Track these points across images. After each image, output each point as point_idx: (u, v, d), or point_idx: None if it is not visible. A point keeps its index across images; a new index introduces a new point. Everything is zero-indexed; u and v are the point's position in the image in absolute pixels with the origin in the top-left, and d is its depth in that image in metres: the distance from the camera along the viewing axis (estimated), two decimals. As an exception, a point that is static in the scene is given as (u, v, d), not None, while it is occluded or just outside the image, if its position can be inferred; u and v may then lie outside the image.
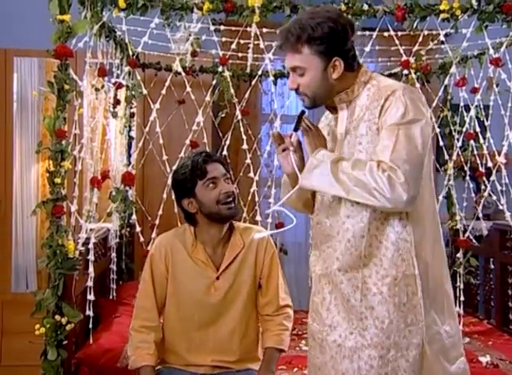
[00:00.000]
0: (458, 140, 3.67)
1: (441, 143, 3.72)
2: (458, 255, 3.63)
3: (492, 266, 3.88)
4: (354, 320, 1.85)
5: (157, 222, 3.48)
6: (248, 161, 3.68)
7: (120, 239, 4.05)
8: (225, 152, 3.63)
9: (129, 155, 4.27)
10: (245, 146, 3.68)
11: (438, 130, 3.71)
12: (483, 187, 3.76)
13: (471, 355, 3.11)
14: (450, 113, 4.02)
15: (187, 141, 3.61)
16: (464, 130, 3.69)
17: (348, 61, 1.88)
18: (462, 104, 3.72)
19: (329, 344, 1.89)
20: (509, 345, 3.36)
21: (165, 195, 3.50)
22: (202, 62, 4.13)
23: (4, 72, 4.31)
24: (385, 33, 3.50)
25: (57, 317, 2.70)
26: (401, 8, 3.13)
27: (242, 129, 3.62)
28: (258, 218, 3.54)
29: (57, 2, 2.74)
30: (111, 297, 3.76)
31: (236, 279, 2.45)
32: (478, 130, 3.69)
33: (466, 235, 3.61)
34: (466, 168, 3.78)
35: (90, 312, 3.05)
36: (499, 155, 3.51)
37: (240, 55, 4.00)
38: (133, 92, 3.95)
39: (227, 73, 3.69)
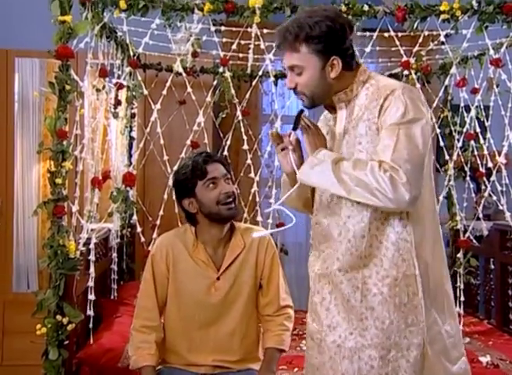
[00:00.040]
0: (458, 140, 3.67)
1: (441, 143, 3.72)
2: (458, 255, 3.63)
3: (493, 266, 3.88)
4: (354, 321, 1.84)
5: (158, 222, 3.48)
6: (249, 161, 3.68)
7: (121, 239, 4.05)
8: (225, 153, 3.64)
9: (130, 156, 4.28)
10: (246, 146, 3.68)
11: (438, 130, 3.71)
12: (483, 187, 3.76)
13: (472, 355, 3.10)
14: (451, 114, 4.01)
15: (188, 142, 3.62)
16: (465, 130, 3.69)
17: (346, 60, 1.87)
18: (462, 104, 3.71)
19: (328, 345, 1.88)
20: (509, 345, 3.36)
21: (165, 196, 3.51)
22: (203, 62, 4.13)
23: (5, 72, 4.32)
24: (386, 34, 3.49)
25: (58, 317, 2.71)
26: (401, 8, 3.13)
27: (242, 129, 3.62)
28: (259, 218, 3.54)
29: (58, 3, 2.75)
30: (112, 297, 3.76)
31: (236, 279, 2.46)
32: (478, 130, 3.69)
33: (466, 235, 3.61)
34: (466, 168, 3.78)
35: (90, 312, 3.05)
36: (500, 155, 3.52)
37: (240, 55, 4.00)
38: (134, 93, 3.95)
39: (228, 74, 3.69)
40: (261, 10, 3.10)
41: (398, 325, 1.81)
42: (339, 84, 1.90)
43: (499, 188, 3.62)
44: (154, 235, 3.37)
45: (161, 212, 3.50)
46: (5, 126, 4.32)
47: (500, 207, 3.64)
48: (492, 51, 3.41)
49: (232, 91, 3.70)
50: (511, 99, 3.54)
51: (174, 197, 2.55)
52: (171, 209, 3.38)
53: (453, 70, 3.64)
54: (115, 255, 3.78)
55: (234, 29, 3.73)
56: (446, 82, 3.83)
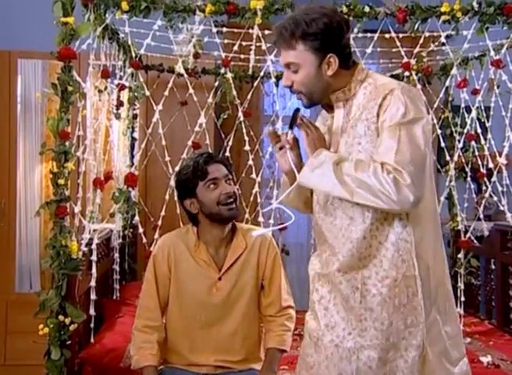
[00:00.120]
0: (459, 141, 3.67)
1: (442, 144, 3.72)
2: (459, 255, 3.63)
3: (493, 267, 3.88)
4: (353, 321, 1.83)
5: (159, 222, 3.49)
6: (250, 162, 3.69)
7: (123, 240, 4.05)
8: (227, 153, 3.65)
9: (132, 156, 4.29)
10: (247, 147, 3.69)
11: (439, 131, 3.71)
12: (484, 187, 3.76)
13: (472, 355, 3.11)
14: (451, 114, 4.02)
15: (190, 142, 3.62)
16: (465, 131, 3.69)
17: (343, 58, 1.86)
18: (463, 105, 3.71)
19: (325, 344, 1.86)
20: (510, 345, 3.36)
21: (167, 196, 3.52)
22: (204, 63, 4.14)
23: (8, 73, 4.34)
24: (387, 35, 3.50)
25: (60, 317, 2.71)
26: (402, 10, 3.14)
27: (244, 130, 3.63)
28: (260, 219, 3.55)
29: (61, 5, 2.75)
30: (114, 297, 3.78)
31: (238, 280, 2.47)
32: (479, 131, 3.70)
33: (467, 236, 3.61)
34: (467, 169, 3.78)
35: (92, 312, 3.06)
36: (500, 156, 3.53)
37: (242, 56, 4.02)
38: (136, 94, 3.98)
39: (229, 75, 3.71)
40: (263, 11, 3.11)
41: (397, 326, 1.80)
42: (337, 83, 1.88)
43: (499, 189, 3.63)
44: (156, 235, 3.38)
45: (162, 213, 3.51)
46: (7, 127, 4.34)
47: (501, 207, 3.65)
48: (492, 53, 3.42)
49: (234, 92, 3.71)
50: (512, 100, 3.55)
51: (176, 197, 2.56)
52: (173, 210, 3.40)
53: (454, 71, 3.64)
54: (117, 255, 3.79)
55: (236, 30, 3.75)
56: (447, 83, 3.83)
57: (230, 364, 2.47)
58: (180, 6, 3.13)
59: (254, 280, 2.50)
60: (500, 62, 3.42)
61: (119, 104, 3.84)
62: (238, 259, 2.47)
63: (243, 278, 2.48)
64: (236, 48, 3.61)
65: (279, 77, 4.19)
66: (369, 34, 3.53)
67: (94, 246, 3.05)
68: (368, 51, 3.47)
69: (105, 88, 3.44)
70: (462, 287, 3.50)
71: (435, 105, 3.62)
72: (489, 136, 3.69)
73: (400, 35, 3.51)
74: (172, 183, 3.41)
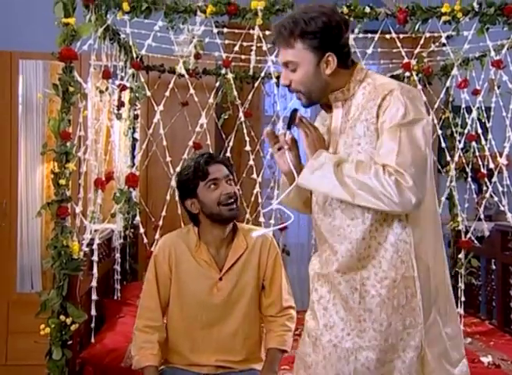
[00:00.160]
0: (460, 141, 3.68)
1: (443, 144, 3.73)
2: (460, 255, 3.63)
3: (494, 267, 3.87)
4: (352, 322, 1.83)
5: (160, 223, 3.50)
6: (251, 162, 3.70)
7: (124, 240, 4.06)
8: (228, 154, 3.65)
9: (133, 157, 4.29)
10: (248, 148, 3.69)
11: (440, 131, 3.71)
12: (485, 188, 3.76)
13: (473, 355, 3.12)
14: (452, 115, 4.02)
15: (190, 143, 3.63)
16: (466, 131, 3.70)
17: (341, 57, 1.85)
18: (464, 105, 3.71)
19: (323, 344, 1.86)
20: (510, 345, 3.36)
21: (168, 196, 3.52)
22: (205, 64, 4.14)
23: (9, 74, 4.35)
24: (387, 36, 3.49)
25: (62, 317, 2.71)
26: (403, 10, 3.14)
27: (245, 131, 3.64)
28: (261, 219, 3.55)
29: (62, 5, 2.75)
30: (115, 297, 3.78)
31: (239, 280, 2.47)
32: (479, 131, 3.70)
33: (468, 236, 3.61)
34: (468, 169, 3.78)
35: (93, 312, 3.07)
36: (501, 156, 3.53)
37: (242, 57, 4.02)
38: (137, 94, 3.98)
39: (230, 75, 3.71)
40: (263, 12, 3.11)
41: (396, 327, 1.79)
42: (335, 82, 1.87)
43: (500, 189, 3.63)
44: (157, 236, 3.38)
45: (163, 213, 3.52)
46: (9, 127, 4.35)
47: (501, 208, 3.65)
48: (493, 53, 3.42)
49: (235, 93, 3.72)
50: (512, 100, 3.55)
51: (177, 197, 2.57)
52: (173, 210, 3.40)
53: (455, 72, 3.64)
54: (118, 255, 3.79)
55: (236, 31, 3.76)
56: (448, 83, 3.83)
57: (231, 364, 2.48)
58: (181, 7, 3.13)
59: (255, 280, 2.50)
60: (501, 62, 3.43)
61: (120, 104, 3.85)
62: (239, 259, 2.48)
63: (244, 278, 2.48)
64: (236, 48, 3.62)
65: (279, 78, 4.19)
66: (370, 35, 3.52)
67: (95, 246, 3.06)
68: (369, 51, 3.47)
69: (106, 89, 3.45)
70: (462, 287, 3.50)
71: (436, 106, 3.63)
72: (490, 136, 3.69)
73: (401, 36, 3.51)
74: (173, 183, 3.42)
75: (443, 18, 3.14)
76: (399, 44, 3.41)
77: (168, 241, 2.54)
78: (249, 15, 3.13)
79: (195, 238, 2.49)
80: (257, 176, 3.65)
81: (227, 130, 4.00)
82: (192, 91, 3.60)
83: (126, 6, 3.01)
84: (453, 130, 3.94)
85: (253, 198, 3.70)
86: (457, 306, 3.37)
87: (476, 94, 3.66)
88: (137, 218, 3.92)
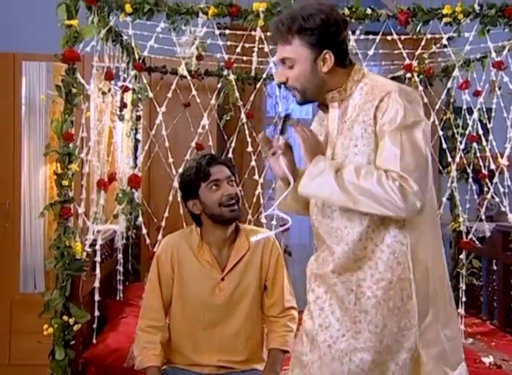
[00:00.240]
0: (461, 142, 3.67)
1: (444, 145, 3.72)
2: (461, 256, 3.62)
3: (495, 267, 3.88)
4: (348, 322, 1.81)
5: (163, 224, 3.51)
6: (253, 163, 3.71)
7: (126, 240, 4.07)
8: (230, 155, 3.67)
9: (136, 158, 4.30)
10: (250, 149, 3.70)
11: (441, 132, 3.70)
12: (486, 189, 3.76)
13: (474, 355, 3.12)
14: (453, 116, 4.02)
15: (193, 144, 3.64)
16: (467, 132, 3.69)
17: (339, 55, 1.84)
18: (465, 107, 3.71)
19: (319, 344, 1.84)
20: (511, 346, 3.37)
21: (170, 197, 3.53)
22: (207, 65, 4.15)
23: (12, 76, 4.36)
24: (389, 37, 3.49)
25: (65, 317, 2.72)
26: (404, 12, 3.14)
27: (247, 132, 3.65)
28: (263, 220, 3.56)
29: (65, 7, 2.77)
30: (117, 298, 3.78)
31: (241, 280, 2.48)
32: (480, 132, 3.70)
33: (469, 237, 3.61)
34: (469, 170, 3.77)
35: (96, 313, 3.08)
36: (502, 157, 3.53)
37: (244, 58, 4.02)
38: (140, 95, 4.00)
39: (232, 77, 3.73)
40: (265, 14, 3.11)
41: (391, 329, 1.78)
42: (332, 81, 1.86)
43: (501, 190, 3.63)
44: (160, 236, 3.39)
45: (166, 214, 3.53)
46: (12, 128, 4.37)
47: (503, 208, 3.66)
48: (494, 54, 3.41)
49: (237, 94, 3.73)
50: (513, 101, 3.55)
51: (179, 198, 2.58)
52: (176, 211, 3.41)
53: (456, 73, 3.65)
54: (120, 256, 3.80)
55: (238, 32, 3.75)
56: (449, 84, 3.83)
57: (233, 364, 2.48)
58: (183, 9, 3.14)
59: (257, 280, 2.51)
60: (502, 63, 3.42)
61: (123, 106, 3.85)
62: (241, 260, 2.49)
63: (246, 279, 2.49)
64: (238, 49, 3.64)
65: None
66: (371, 36, 3.53)
67: (97, 247, 3.06)
68: (370, 53, 3.47)
69: (109, 90, 3.46)
70: (464, 287, 3.49)
71: (437, 107, 3.62)
72: (491, 137, 3.69)
73: (402, 37, 3.50)
74: (176, 184, 3.44)
75: (444, 19, 3.14)
76: (400, 46, 3.41)
77: (170, 242, 2.55)
78: (251, 16, 3.13)
79: (197, 239, 2.50)
80: (259, 177, 3.66)
81: (229, 131, 4.01)
82: (194, 92, 3.60)
83: (128, 8, 3.02)
84: (454, 131, 3.94)
85: (255, 199, 3.71)
86: (458, 307, 3.38)
87: (477, 96, 3.66)
88: (140, 219, 3.93)
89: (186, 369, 2.49)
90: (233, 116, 4.02)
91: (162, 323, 2.51)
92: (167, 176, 3.68)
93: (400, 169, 1.69)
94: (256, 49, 3.72)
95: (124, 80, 3.72)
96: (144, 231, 3.62)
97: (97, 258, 3.07)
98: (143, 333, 2.48)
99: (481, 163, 3.74)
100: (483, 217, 3.67)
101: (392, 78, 4.12)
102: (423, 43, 3.45)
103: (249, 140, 3.67)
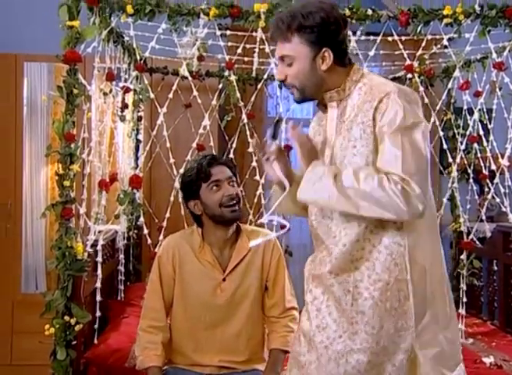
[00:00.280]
0: (462, 143, 3.67)
1: (444, 146, 3.73)
2: (462, 256, 3.62)
3: (496, 268, 3.88)
4: (345, 324, 1.80)
5: (164, 224, 3.51)
6: (254, 164, 3.71)
7: (128, 241, 4.07)
8: (231, 155, 3.67)
9: (137, 158, 4.31)
10: (251, 149, 3.71)
11: (441, 133, 3.70)
12: (486, 189, 3.76)
13: (475, 355, 3.12)
14: (454, 116, 4.03)
15: (194, 144, 3.64)
16: (468, 133, 3.69)
17: (338, 54, 1.84)
18: (465, 107, 3.71)
19: (316, 345, 1.83)
20: (512, 346, 3.38)
21: (172, 198, 3.53)
22: (208, 66, 4.16)
23: (14, 76, 4.38)
24: (389, 38, 3.48)
25: (66, 318, 2.72)
26: (405, 13, 3.14)
27: (248, 132, 3.66)
28: (265, 221, 3.56)
29: (66, 8, 2.77)
30: (119, 298, 3.79)
31: (242, 281, 2.49)
32: (481, 133, 3.71)
33: (470, 237, 3.61)
34: (469, 170, 3.78)
35: (98, 313, 3.09)
36: (503, 157, 3.53)
37: (245, 59, 4.02)
38: (141, 96, 4.01)
39: (233, 77, 3.73)
40: (266, 15, 3.12)
41: (388, 330, 1.77)
42: (331, 80, 1.86)
43: (502, 190, 3.64)
44: (161, 237, 3.39)
45: (167, 214, 3.53)
46: (13, 129, 4.38)
47: (503, 209, 3.66)
48: (494, 55, 3.42)
49: (238, 95, 3.74)
50: (514, 102, 3.56)
51: (181, 198, 2.59)
52: (177, 211, 3.42)
53: (456, 73, 3.66)
54: (122, 256, 3.81)
55: (239, 33, 3.76)
56: (450, 85, 3.83)
57: (234, 364, 2.49)
58: (185, 10, 3.14)
59: (259, 281, 2.52)
60: (502, 64, 3.43)
61: (124, 106, 3.85)
62: (242, 260, 2.49)
63: (248, 279, 2.50)
64: (239, 50, 3.62)
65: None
66: (372, 37, 3.53)
67: (99, 247, 3.07)
68: (371, 53, 3.48)
69: (110, 91, 3.46)
70: (464, 288, 3.49)
71: (438, 107, 3.62)
72: (491, 138, 3.69)
73: (403, 38, 3.50)
74: (177, 184, 3.44)
75: (445, 20, 3.15)
76: (401, 46, 3.41)
77: (172, 242, 2.56)
78: (252, 17, 3.14)
79: (199, 239, 2.51)
80: (260, 177, 3.66)
81: (230, 131, 4.02)
82: (195, 92, 3.61)
83: (129, 9, 3.03)
84: (455, 131, 3.94)
85: (256, 200, 3.71)
86: (459, 307, 3.39)
87: (478, 96, 3.66)
88: (141, 219, 3.92)
89: (187, 369, 2.50)
90: (234, 116, 4.03)
91: (163, 323, 2.51)
92: (168, 176, 3.69)
93: (401, 171, 1.68)
94: (257, 50, 3.71)
95: (125, 81, 3.72)
96: (146, 231, 3.62)
97: (99, 259, 3.07)
98: (144, 333, 2.49)
99: (482, 164, 3.74)
100: (484, 218, 3.67)
101: (393, 79, 4.13)
102: (424, 44, 3.45)
103: (250, 140, 3.67)
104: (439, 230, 1.97)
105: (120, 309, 3.57)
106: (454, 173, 3.63)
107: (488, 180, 3.74)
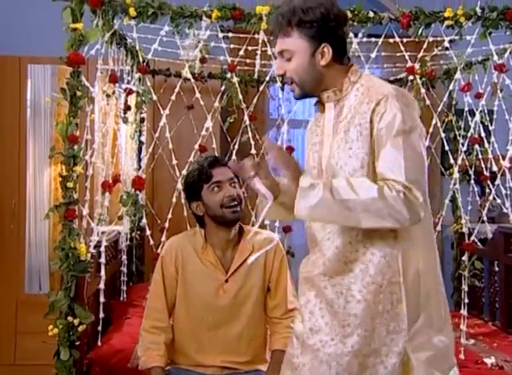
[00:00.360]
0: (463, 144, 3.67)
1: (446, 147, 3.73)
2: (463, 257, 3.62)
3: (497, 269, 3.88)
4: (337, 327, 1.79)
5: (166, 225, 3.51)
6: (256, 164, 3.71)
7: (131, 242, 4.08)
8: (233, 157, 3.68)
9: (140, 160, 4.33)
10: (253, 151, 3.72)
11: (443, 134, 3.70)
12: (488, 190, 3.77)
13: (476, 356, 3.12)
14: (455, 118, 4.04)
15: (196, 146, 3.65)
16: (469, 134, 3.69)
17: (337, 50, 1.84)
18: (467, 109, 3.72)
19: (309, 348, 1.82)
20: (513, 347, 3.38)
21: (174, 199, 3.54)
22: (211, 68, 4.16)
23: (18, 78, 4.40)
24: (391, 40, 3.49)
25: (69, 318, 2.73)
26: (406, 15, 3.14)
27: (250, 134, 3.67)
28: (266, 221, 3.57)
29: (70, 11, 2.79)
30: (121, 299, 3.80)
31: (245, 282, 2.49)
32: (482, 134, 3.72)
33: (471, 238, 3.61)
34: (471, 172, 3.79)
35: (101, 314, 3.10)
36: (504, 159, 3.54)
37: (247, 61, 4.03)
38: (143, 98, 4.02)
39: (235, 79, 3.75)
40: (268, 17, 3.12)
41: (379, 332, 1.76)
42: (330, 76, 1.85)
43: (503, 191, 3.64)
44: (163, 238, 3.39)
45: (169, 216, 3.53)
46: (17, 131, 4.40)
47: (504, 210, 3.67)
48: (495, 57, 3.42)
49: (240, 96, 3.75)
50: (515, 104, 3.57)
51: (183, 199, 2.59)
52: (179, 212, 3.43)
53: (458, 75, 3.65)
54: (124, 257, 3.81)
55: (241, 35, 3.76)
56: (451, 87, 3.84)
57: (236, 365, 2.50)
58: (187, 12, 3.15)
59: (261, 282, 2.52)
60: (503, 66, 3.43)
61: (127, 108, 3.87)
62: (245, 261, 2.48)
63: (250, 280, 2.50)
64: (242, 52, 3.64)
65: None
66: (373, 39, 3.53)
67: (102, 248, 3.07)
68: (373, 55, 3.49)
69: (113, 93, 3.48)
70: (466, 289, 3.49)
71: (439, 109, 3.62)
72: (493, 139, 3.69)
73: (404, 40, 3.50)
74: (179, 186, 3.45)
75: (446, 22, 3.15)
76: (402, 48, 3.40)
77: (174, 243, 2.57)
78: (254, 19, 3.15)
79: (201, 240, 2.52)
80: (262, 178, 3.66)
81: (232, 133, 4.03)
82: (198, 94, 3.61)
83: (132, 11, 3.03)
84: (456, 133, 3.95)
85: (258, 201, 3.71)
86: (461, 308, 3.40)
87: (479, 98, 3.67)
88: (144, 220, 3.95)
89: (189, 369, 2.50)
90: (236, 118, 4.04)
91: (166, 323, 2.52)
92: (171, 177, 3.69)
93: (405, 179, 1.66)
94: (259, 52, 3.72)
95: (128, 83, 3.74)
96: (148, 232, 3.62)
97: (102, 260, 3.08)
98: (147, 333, 2.50)
99: (483, 165, 3.75)
100: (485, 219, 3.67)
101: (395, 80, 4.15)
102: (425, 46, 3.45)
103: (252, 142, 3.69)
104: (441, 230, 1.97)
105: (123, 310, 3.58)
106: (456, 175, 3.63)
107: (489, 182, 3.75)
